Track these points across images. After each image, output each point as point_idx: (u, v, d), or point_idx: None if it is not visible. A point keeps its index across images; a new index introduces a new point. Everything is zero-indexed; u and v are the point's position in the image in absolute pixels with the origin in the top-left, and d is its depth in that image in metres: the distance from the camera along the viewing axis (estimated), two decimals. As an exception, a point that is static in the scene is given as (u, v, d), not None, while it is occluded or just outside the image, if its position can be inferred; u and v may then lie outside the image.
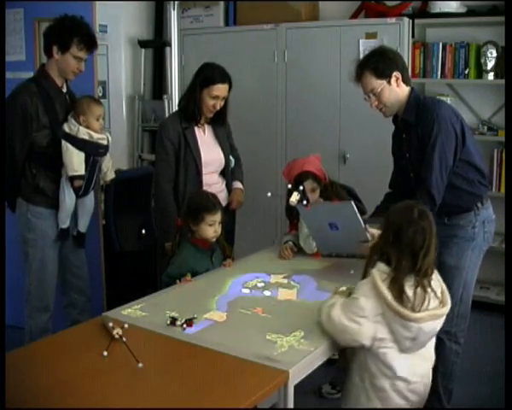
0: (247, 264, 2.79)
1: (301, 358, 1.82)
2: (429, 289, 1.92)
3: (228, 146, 3.23)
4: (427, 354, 2.07)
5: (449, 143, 2.49)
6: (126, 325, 1.99)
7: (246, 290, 2.41)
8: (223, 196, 3.07)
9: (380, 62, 2.55)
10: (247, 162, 3.51)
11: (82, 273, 3.21)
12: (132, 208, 3.95)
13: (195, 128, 3.08)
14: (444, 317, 1.99)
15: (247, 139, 4.00)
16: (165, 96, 5.07)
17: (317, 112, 4.31)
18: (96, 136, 2.92)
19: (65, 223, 3.00)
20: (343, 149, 4.26)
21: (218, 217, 2.61)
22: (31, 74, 3.23)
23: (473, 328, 2.78)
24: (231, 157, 3.26)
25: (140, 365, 1.76)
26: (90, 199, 3.09)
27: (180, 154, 3.03)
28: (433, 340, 2.09)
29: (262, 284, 2.47)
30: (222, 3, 4.81)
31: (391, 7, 4.25)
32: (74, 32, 2.84)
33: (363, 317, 1.91)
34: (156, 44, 5.23)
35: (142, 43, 5.11)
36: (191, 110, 3.02)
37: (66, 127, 2.88)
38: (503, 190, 3.98)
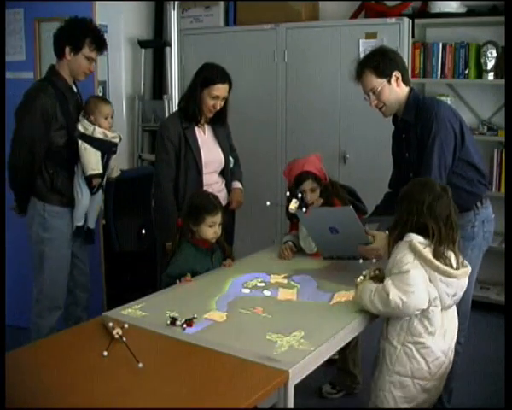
0: (247, 264, 2.78)
1: (301, 358, 1.82)
2: (457, 251, 2.17)
3: (228, 146, 3.24)
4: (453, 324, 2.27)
5: (448, 142, 2.49)
6: (126, 325, 1.99)
7: (246, 290, 2.41)
8: (222, 196, 3.07)
9: (380, 62, 2.57)
10: (248, 162, 3.52)
11: (86, 269, 3.24)
12: (132, 208, 3.95)
13: (196, 128, 3.08)
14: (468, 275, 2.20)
15: (247, 139, 4.01)
16: (165, 96, 5.07)
17: (317, 112, 4.32)
18: (110, 134, 2.97)
19: (80, 220, 3.04)
20: (343, 148, 4.26)
21: (218, 218, 2.62)
22: (31, 74, 3.24)
23: (473, 328, 2.78)
24: (230, 157, 3.27)
25: (140, 365, 1.76)
26: (99, 195, 3.13)
27: (180, 154, 3.03)
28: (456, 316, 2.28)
29: (262, 284, 2.47)
30: (222, 3, 4.81)
31: (391, 7, 4.26)
32: (86, 33, 2.87)
33: (418, 286, 2.06)
34: (156, 44, 5.22)
35: (142, 44, 5.10)
36: (191, 110, 3.03)
37: (80, 127, 2.91)
38: (502, 190, 3.98)
